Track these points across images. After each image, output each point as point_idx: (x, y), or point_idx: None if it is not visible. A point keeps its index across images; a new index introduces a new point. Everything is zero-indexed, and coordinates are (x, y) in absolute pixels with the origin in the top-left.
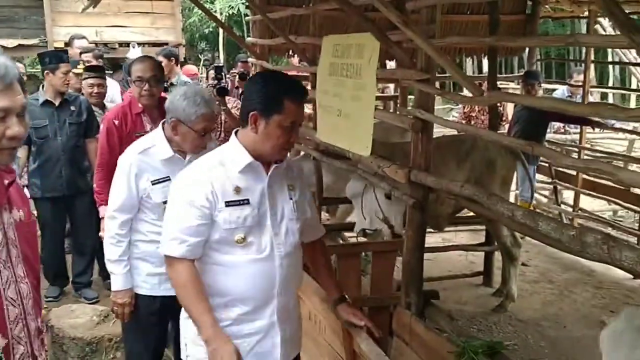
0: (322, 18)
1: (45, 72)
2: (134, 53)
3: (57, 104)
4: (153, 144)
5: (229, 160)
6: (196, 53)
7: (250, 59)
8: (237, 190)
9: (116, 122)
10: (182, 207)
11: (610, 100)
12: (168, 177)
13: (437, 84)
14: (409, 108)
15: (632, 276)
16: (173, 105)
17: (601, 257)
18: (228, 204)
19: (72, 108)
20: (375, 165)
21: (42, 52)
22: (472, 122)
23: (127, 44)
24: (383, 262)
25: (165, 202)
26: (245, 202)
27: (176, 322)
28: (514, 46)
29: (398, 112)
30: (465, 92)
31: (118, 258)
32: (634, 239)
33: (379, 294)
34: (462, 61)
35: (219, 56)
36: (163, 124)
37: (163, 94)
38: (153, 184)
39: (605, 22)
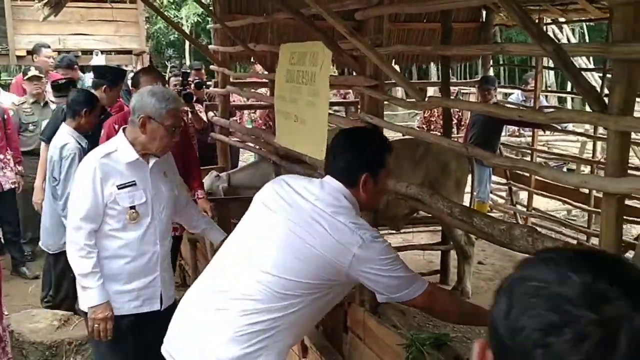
0: (282, 27)
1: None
2: (97, 61)
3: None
4: (115, 149)
5: None
6: (163, 60)
7: (212, 66)
8: None
9: (116, 126)
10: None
11: (569, 105)
12: (134, 181)
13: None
14: (360, 113)
15: None
16: (141, 102)
17: (527, 248)
18: None
19: None
20: None
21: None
22: (432, 127)
23: (91, 52)
24: None
25: (132, 207)
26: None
27: (153, 339)
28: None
29: (351, 118)
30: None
31: (91, 270)
32: (584, 237)
33: None
34: (427, 67)
35: (185, 63)
36: (124, 129)
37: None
38: (119, 189)
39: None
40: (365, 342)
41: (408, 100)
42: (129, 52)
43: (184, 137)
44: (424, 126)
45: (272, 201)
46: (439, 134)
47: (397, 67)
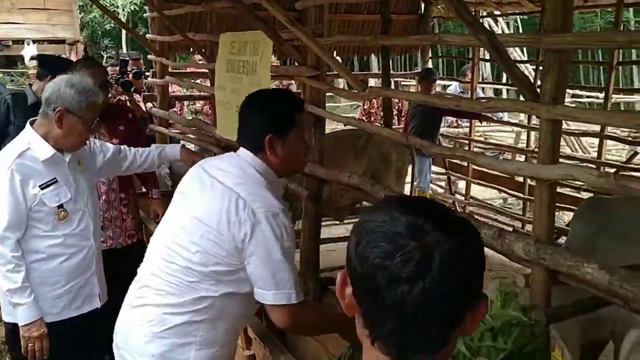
0: (222, 16)
1: None
2: (29, 50)
3: None
4: (27, 147)
5: None
6: (99, 50)
7: (150, 56)
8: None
9: None
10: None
11: (504, 96)
12: (55, 178)
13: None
14: None
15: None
16: (57, 94)
17: None
18: None
19: None
20: None
21: None
22: (372, 119)
23: (22, 41)
24: None
25: (60, 207)
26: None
27: (96, 338)
28: (405, 45)
29: None
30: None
31: (21, 285)
32: (519, 224)
33: None
34: (369, 59)
35: (122, 53)
36: (32, 122)
37: None
38: (42, 189)
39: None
40: None
41: (349, 90)
42: (62, 41)
43: (134, 130)
44: (364, 118)
45: (187, 189)
46: (380, 125)
47: (338, 59)
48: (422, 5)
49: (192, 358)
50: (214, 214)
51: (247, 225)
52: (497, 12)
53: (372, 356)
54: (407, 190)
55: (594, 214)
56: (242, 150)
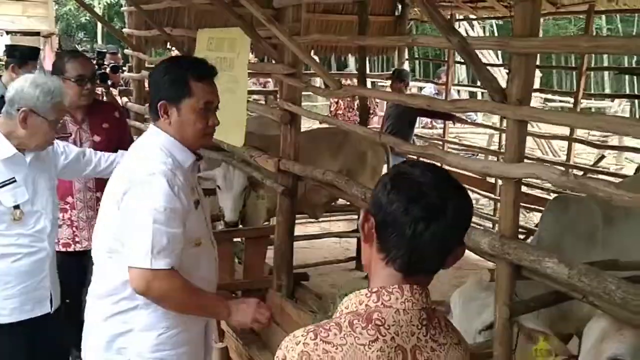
0: (200, 11)
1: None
2: (2, 42)
3: None
4: None
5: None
6: (73, 43)
7: (126, 51)
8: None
9: None
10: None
11: (479, 98)
12: (13, 178)
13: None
14: (278, 101)
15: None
16: (21, 94)
17: None
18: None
19: None
20: (248, 155)
21: None
22: (341, 119)
23: None
24: (255, 248)
25: (17, 207)
26: None
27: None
28: (381, 45)
29: (270, 106)
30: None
31: None
32: (489, 224)
33: (252, 278)
34: (346, 59)
35: (97, 46)
36: None
37: None
38: None
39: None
40: (283, 327)
41: (325, 89)
42: (36, 33)
43: (119, 129)
44: None
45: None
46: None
47: (316, 58)
48: (399, 7)
49: (135, 343)
50: (107, 195)
51: (122, 191)
52: (472, 16)
53: (385, 272)
54: None
55: (561, 212)
56: (150, 127)
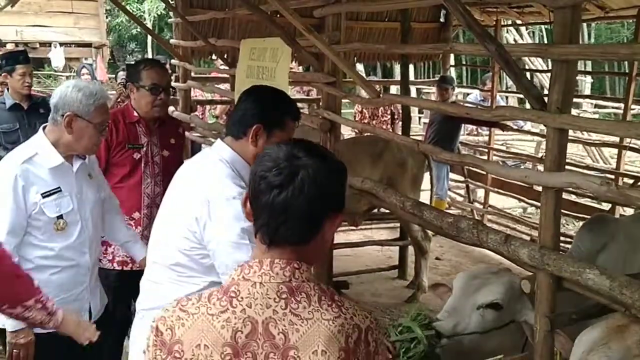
0: (244, 22)
1: (3, 74)
2: (56, 53)
3: (25, 107)
4: (36, 152)
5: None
6: (125, 54)
7: (173, 61)
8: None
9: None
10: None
11: (528, 105)
12: (59, 188)
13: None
14: (318, 109)
15: None
16: (65, 99)
17: (472, 240)
18: None
19: (42, 111)
20: None
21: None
22: None
23: (49, 44)
24: None
25: (60, 217)
26: None
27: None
28: (424, 53)
29: (308, 113)
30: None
31: None
32: (536, 233)
33: None
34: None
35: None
36: (43, 128)
37: None
38: (44, 197)
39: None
40: None
41: (363, 97)
42: (88, 44)
43: (181, 146)
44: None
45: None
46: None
47: (361, 66)
48: (443, 13)
49: None
50: (176, 211)
51: (200, 211)
52: (518, 22)
53: (257, 246)
54: (423, 197)
55: (599, 230)
56: (217, 142)
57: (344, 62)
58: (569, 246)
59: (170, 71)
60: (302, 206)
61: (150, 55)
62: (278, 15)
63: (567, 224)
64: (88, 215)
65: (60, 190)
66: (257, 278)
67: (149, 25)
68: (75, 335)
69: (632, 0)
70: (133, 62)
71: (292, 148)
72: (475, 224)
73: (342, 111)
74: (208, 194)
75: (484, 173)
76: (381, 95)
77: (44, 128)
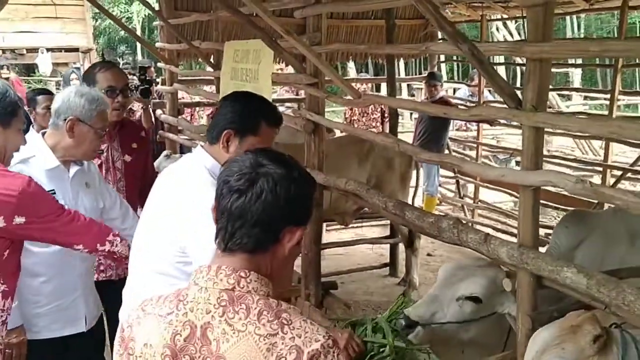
0: (228, 24)
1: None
2: (43, 59)
3: None
4: (33, 154)
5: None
6: (116, 56)
7: (159, 64)
8: None
9: None
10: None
11: None
12: (53, 190)
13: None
14: (301, 110)
15: None
16: (67, 104)
17: (453, 239)
18: None
19: None
20: None
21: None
22: (356, 125)
23: (36, 50)
24: None
25: None
26: None
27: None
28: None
29: (294, 115)
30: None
31: None
32: None
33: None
34: (383, 64)
35: (138, 59)
36: (43, 133)
37: None
38: None
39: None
40: None
41: (344, 98)
42: (75, 49)
43: (145, 150)
44: None
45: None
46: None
47: (351, 63)
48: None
49: None
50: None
51: (179, 218)
52: (504, 16)
53: (216, 249)
54: (412, 194)
55: (576, 227)
56: (198, 148)
57: (325, 63)
58: None
59: (155, 74)
60: (258, 213)
61: (139, 57)
62: (258, 16)
63: (557, 216)
64: None
65: (55, 194)
66: (203, 283)
67: (138, 27)
68: None
69: None
70: (143, 65)
71: (259, 156)
72: (456, 224)
73: (333, 109)
74: (191, 202)
75: None
76: (362, 95)
77: (43, 134)
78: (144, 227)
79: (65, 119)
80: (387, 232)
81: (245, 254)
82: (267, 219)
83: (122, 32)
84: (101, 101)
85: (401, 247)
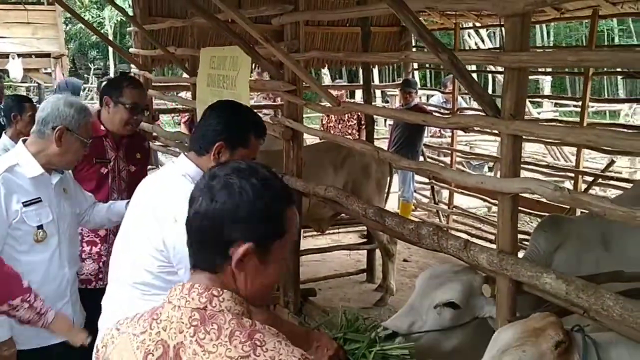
0: (204, 30)
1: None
2: (14, 64)
3: None
4: (17, 162)
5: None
6: (87, 62)
7: (134, 70)
8: None
9: None
10: None
11: None
12: (39, 198)
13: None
14: (279, 117)
15: None
16: (57, 113)
17: (433, 245)
18: None
19: None
20: None
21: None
22: (332, 132)
23: (6, 55)
24: None
25: (39, 227)
26: None
27: None
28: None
29: (272, 122)
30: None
31: None
32: None
33: None
34: (357, 70)
35: (109, 65)
36: (24, 140)
37: None
38: (25, 206)
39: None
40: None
41: (323, 105)
42: (47, 55)
43: (146, 161)
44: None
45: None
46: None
47: (326, 70)
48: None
49: None
50: (138, 228)
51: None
52: (477, 24)
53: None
54: (392, 199)
55: (553, 231)
56: (181, 157)
57: (303, 70)
58: None
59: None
60: (207, 230)
61: (111, 63)
62: (234, 23)
63: (531, 222)
64: (66, 228)
65: (41, 201)
66: (176, 301)
67: (110, 32)
68: (68, 337)
69: (586, 1)
70: (124, 71)
71: (222, 170)
72: (436, 230)
73: (308, 115)
74: (175, 212)
75: None
76: (341, 103)
77: (24, 141)
78: (124, 237)
79: (53, 128)
80: (364, 239)
81: (209, 272)
82: (215, 237)
83: (94, 37)
84: (88, 112)
85: (378, 253)
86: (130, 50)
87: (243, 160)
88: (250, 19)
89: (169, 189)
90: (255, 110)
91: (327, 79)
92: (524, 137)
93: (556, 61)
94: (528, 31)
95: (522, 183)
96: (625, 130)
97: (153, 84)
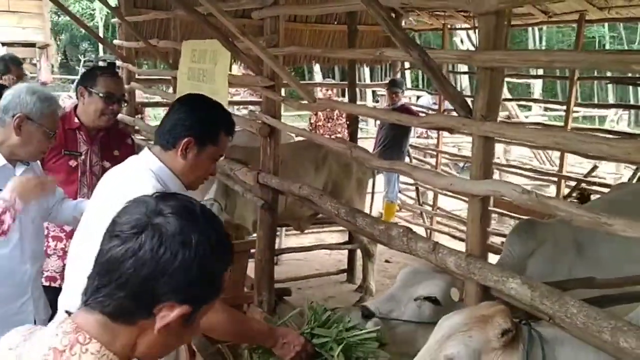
0: (187, 23)
1: None
2: None
3: None
4: None
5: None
6: (78, 53)
7: (117, 62)
8: None
9: None
10: None
11: None
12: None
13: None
14: (257, 113)
15: None
16: (17, 100)
17: (402, 247)
18: None
19: None
20: (228, 169)
21: None
22: (322, 131)
23: None
24: (236, 262)
25: None
26: None
27: None
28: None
29: (250, 118)
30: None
31: None
32: None
33: (232, 293)
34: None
35: (104, 55)
36: None
37: None
38: None
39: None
40: None
41: (299, 102)
42: (32, 44)
43: (132, 154)
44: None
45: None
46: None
47: (318, 67)
48: (393, 16)
49: None
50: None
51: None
52: (466, 25)
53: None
54: (377, 199)
55: (527, 236)
56: (145, 152)
57: (280, 66)
58: None
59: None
60: (129, 273)
61: (101, 54)
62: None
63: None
64: (29, 223)
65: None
66: (49, 330)
67: (100, 24)
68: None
69: (572, 5)
70: (112, 61)
71: (166, 201)
72: (405, 232)
73: (299, 113)
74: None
75: None
76: (316, 100)
77: None
78: (84, 230)
79: (13, 116)
80: (345, 238)
81: (104, 316)
82: (138, 284)
83: None
84: (53, 102)
85: (359, 253)
86: (114, 42)
87: (211, 161)
88: (235, 13)
89: (131, 182)
90: (240, 107)
91: (318, 77)
92: (498, 139)
93: (529, 61)
94: (502, 30)
95: (491, 185)
96: (598, 135)
97: (137, 76)
